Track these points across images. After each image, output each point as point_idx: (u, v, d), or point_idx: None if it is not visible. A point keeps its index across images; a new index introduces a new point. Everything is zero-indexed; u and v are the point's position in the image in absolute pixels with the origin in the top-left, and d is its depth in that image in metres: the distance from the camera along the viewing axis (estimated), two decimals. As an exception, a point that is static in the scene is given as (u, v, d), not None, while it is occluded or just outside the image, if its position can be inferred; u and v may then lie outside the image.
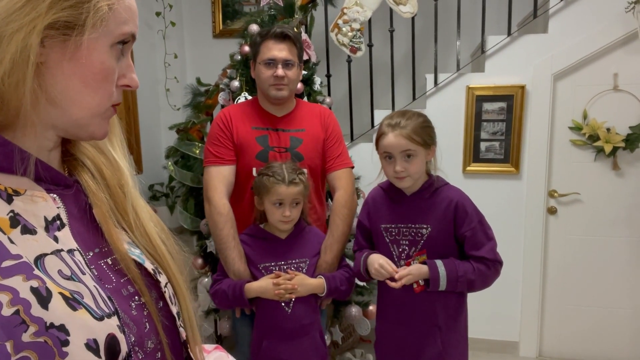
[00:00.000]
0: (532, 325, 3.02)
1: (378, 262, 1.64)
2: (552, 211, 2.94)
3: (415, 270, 1.61)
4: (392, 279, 1.61)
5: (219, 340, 2.61)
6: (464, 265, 1.60)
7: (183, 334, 0.73)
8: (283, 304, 1.74)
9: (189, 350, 0.74)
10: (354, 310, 2.39)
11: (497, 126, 2.90)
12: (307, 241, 1.83)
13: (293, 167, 1.75)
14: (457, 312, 1.69)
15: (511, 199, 2.96)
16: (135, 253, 0.69)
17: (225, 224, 1.80)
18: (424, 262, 1.63)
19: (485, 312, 2.98)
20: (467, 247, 1.63)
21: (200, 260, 2.53)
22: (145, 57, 3.56)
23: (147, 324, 0.64)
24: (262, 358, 1.75)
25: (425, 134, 1.59)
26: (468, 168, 2.97)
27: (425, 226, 1.65)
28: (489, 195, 2.90)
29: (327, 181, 2.01)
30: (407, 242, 1.69)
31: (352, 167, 2.03)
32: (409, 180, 1.63)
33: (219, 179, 1.85)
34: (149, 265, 0.69)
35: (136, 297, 0.65)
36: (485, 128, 2.91)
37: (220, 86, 2.59)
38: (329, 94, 3.05)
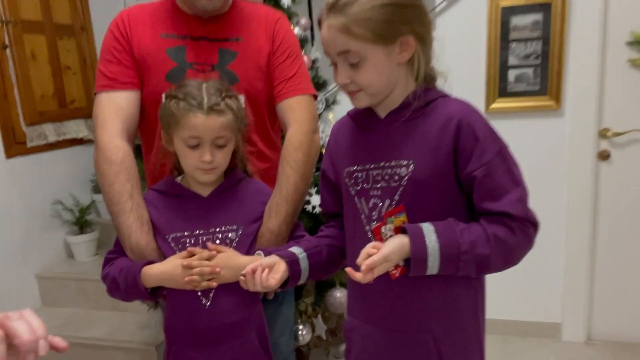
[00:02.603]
0: (578, 303, 2.48)
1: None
2: (604, 156, 2.33)
3: (390, 248, 0.98)
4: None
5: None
6: (471, 231, 0.98)
7: None
8: (200, 294, 1.20)
9: None
10: (339, 294, 1.83)
11: (531, 47, 2.27)
12: (243, 201, 1.28)
13: (218, 87, 1.20)
14: (464, 310, 1.08)
15: (550, 143, 2.37)
16: None
17: (118, 177, 1.25)
18: (401, 229, 1.01)
19: (518, 288, 2.52)
20: (477, 197, 1.00)
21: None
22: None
23: None
24: None
25: (381, 20, 0.96)
26: (492, 106, 2.36)
27: (404, 162, 1.03)
28: (520, 141, 2.28)
29: (278, 115, 1.43)
30: (379, 193, 1.07)
31: (315, 96, 1.45)
32: (362, 96, 1.04)
33: (111, 111, 1.31)
34: None
35: None
36: (515, 50, 2.29)
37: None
38: (310, 15, 2.40)
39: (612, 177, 2.35)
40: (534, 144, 2.35)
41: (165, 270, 1.17)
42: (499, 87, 2.33)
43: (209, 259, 1.16)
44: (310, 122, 1.38)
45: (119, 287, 1.21)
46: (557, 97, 2.27)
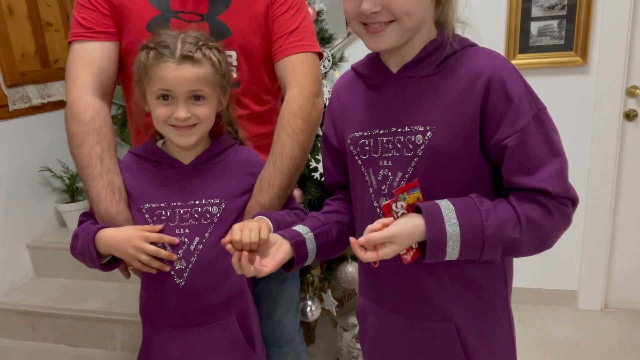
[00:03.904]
0: (597, 270, 2.36)
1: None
2: (630, 116, 2.16)
3: (398, 228, 0.83)
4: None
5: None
6: (498, 211, 0.84)
7: None
8: (173, 273, 1.08)
9: None
10: (351, 269, 1.69)
11: (556, -3, 2.06)
12: (229, 170, 1.14)
13: (196, 37, 1.06)
14: (490, 293, 0.94)
15: (574, 102, 2.19)
16: None
17: (86, 137, 1.12)
18: (415, 207, 0.86)
19: (533, 255, 2.28)
20: (507, 169, 0.85)
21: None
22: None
23: None
24: (143, 355, 1.16)
25: None
26: (513, 61, 2.15)
27: (421, 128, 0.87)
28: (543, 99, 2.10)
29: (276, 75, 1.27)
30: (389, 163, 0.91)
31: (320, 55, 1.28)
32: (393, 31, 0.84)
33: (83, 63, 1.15)
34: None
35: None
36: (539, 1, 2.09)
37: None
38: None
39: (639, 139, 2.20)
40: (558, 103, 2.15)
41: (116, 236, 1.05)
42: (521, 41, 2.14)
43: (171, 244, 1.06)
44: (313, 84, 1.21)
45: (77, 246, 1.10)
46: (584, 52, 2.08)
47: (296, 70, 1.21)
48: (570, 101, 2.19)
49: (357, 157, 0.96)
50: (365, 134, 0.94)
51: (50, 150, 2.75)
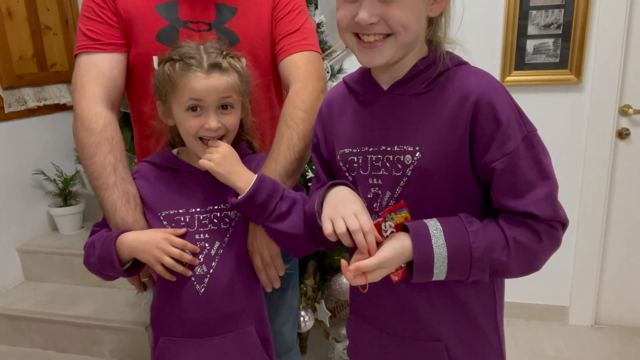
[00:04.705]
0: (588, 285, 2.36)
1: (347, 210, 0.85)
2: (623, 134, 2.18)
3: (388, 253, 0.83)
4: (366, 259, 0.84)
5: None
6: (487, 233, 0.83)
7: None
8: (193, 279, 1.06)
9: None
10: (345, 280, 1.69)
11: (552, 15, 2.08)
12: None
13: (217, 47, 1.05)
14: (480, 313, 0.93)
15: (568, 119, 2.20)
16: None
17: (99, 148, 1.10)
18: (402, 226, 0.86)
19: None
20: (496, 191, 0.84)
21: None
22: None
23: None
24: None
25: None
26: (508, 78, 2.18)
27: (410, 148, 0.87)
28: (537, 117, 2.10)
29: (280, 76, 1.25)
30: (379, 182, 0.91)
31: (322, 56, 1.27)
32: (390, 45, 0.83)
33: (91, 75, 1.14)
34: None
35: None
36: (535, 19, 2.10)
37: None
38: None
39: (631, 158, 2.21)
40: (552, 120, 2.18)
41: (141, 239, 1.03)
42: (516, 58, 2.15)
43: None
44: (317, 80, 1.19)
45: (94, 253, 1.07)
46: (579, 70, 2.10)
47: (299, 68, 1.19)
48: (564, 118, 2.20)
49: (347, 174, 0.96)
50: (354, 150, 0.93)
51: (44, 154, 2.73)
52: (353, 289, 1.04)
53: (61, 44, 2.82)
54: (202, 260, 1.05)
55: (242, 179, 1.01)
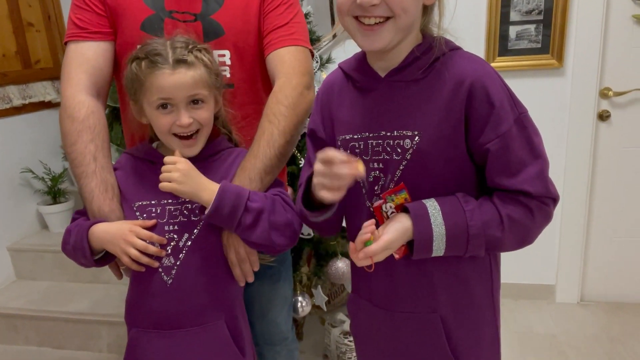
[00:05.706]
0: (573, 264, 2.44)
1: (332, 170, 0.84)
2: (604, 116, 2.25)
3: (392, 235, 0.88)
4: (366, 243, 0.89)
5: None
6: (482, 211, 0.88)
7: None
8: (161, 270, 1.06)
9: None
10: (341, 264, 1.72)
11: (534, 2, 2.14)
12: (220, 172, 1.12)
13: (184, 42, 1.04)
14: (476, 288, 0.98)
15: (551, 103, 2.27)
16: None
17: (80, 135, 1.11)
18: (403, 207, 0.90)
19: (512, 251, 2.35)
20: (490, 171, 0.89)
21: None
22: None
23: None
24: (129, 356, 1.12)
25: None
26: (492, 64, 2.20)
27: (409, 133, 0.90)
28: (521, 100, 2.18)
29: (267, 71, 1.24)
30: (380, 166, 0.94)
31: (311, 52, 1.26)
32: (389, 28, 0.86)
33: (77, 63, 1.15)
34: None
35: None
36: (517, 5, 2.16)
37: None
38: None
39: (611, 138, 2.28)
40: (535, 104, 2.16)
41: (109, 230, 1.04)
42: (500, 44, 2.20)
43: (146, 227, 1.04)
44: (302, 75, 1.17)
45: (69, 241, 1.08)
46: (560, 55, 2.16)
47: (285, 62, 1.17)
48: (547, 102, 2.26)
49: None
50: (355, 136, 0.96)
51: (31, 152, 2.71)
52: (354, 269, 1.08)
53: (44, 41, 2.80)
54: (169, 251, 1.05)
55: (208, 192, 1.01)
